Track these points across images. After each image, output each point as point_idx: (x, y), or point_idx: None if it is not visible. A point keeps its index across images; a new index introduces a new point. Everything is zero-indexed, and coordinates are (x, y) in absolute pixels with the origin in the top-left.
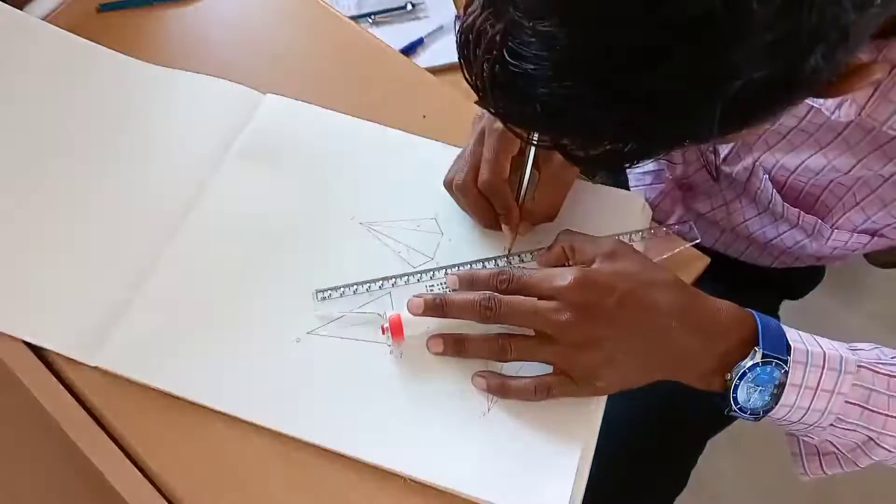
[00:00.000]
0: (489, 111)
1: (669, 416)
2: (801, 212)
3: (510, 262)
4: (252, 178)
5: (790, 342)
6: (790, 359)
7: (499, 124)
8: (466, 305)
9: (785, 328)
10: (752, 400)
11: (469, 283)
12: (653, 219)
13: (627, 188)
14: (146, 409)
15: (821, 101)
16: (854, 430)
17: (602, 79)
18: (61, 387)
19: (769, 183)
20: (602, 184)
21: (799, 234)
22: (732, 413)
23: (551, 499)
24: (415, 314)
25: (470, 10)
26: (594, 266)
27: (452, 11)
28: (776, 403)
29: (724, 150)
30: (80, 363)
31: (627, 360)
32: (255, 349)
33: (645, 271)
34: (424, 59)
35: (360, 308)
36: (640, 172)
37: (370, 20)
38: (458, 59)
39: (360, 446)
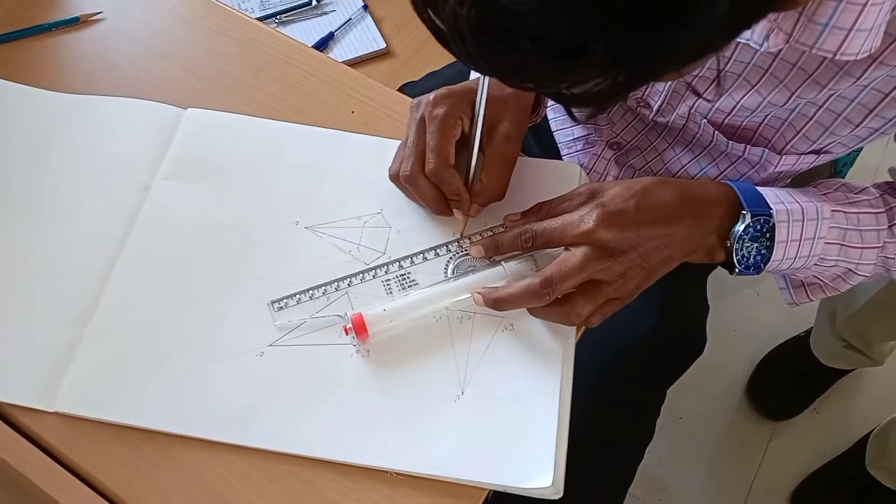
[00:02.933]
0: (463, 60)
1: (629, 369)
2: (747, 144)
3: (461, 246)
4: (186, 197)
5: (770, 203)
6: (773, 216)
7: (439, 110)
8: (515, 241)
9: (759, 189)
10: (750, 257)
11: (495, 248)
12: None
13: (560, 157)
14: (114, 445)
15: (747, 34)
16: (835, 266)
17: (597, 6)
18: (21, 438)
19: (708, 126)
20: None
21: (743, 167)
22: (738, 273)
23: (536, 467)
24: (477, 256)
25: None
26: (599, 201)
27: (359, 3)
28: (771, 255)
29: (655, 102)
30: (38, 411)
31: (654, 261)
32: (218, 368)
33: (639, 183)
34: (338, 53)
35: (320, 312)
36: (570, 140)
37: (277, 21)
38: (419, 5)
39: (340, 449)
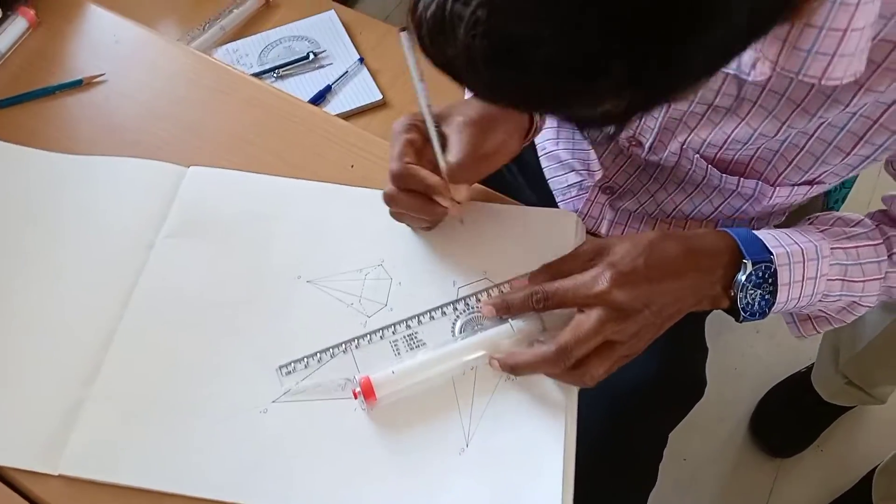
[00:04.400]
0: (476, 91)
1: (629, 416)
2: (741, 178)
3: (468, 304)
4: (189, 255)
5: (770, 247)
6: (774, 260)
7: (396, 124)
8: (526, 302)
9: (757, 233)
10: (755, 304)
11: (505, 309)
12: (586, 228)
13: (556, 205)
14: None
15: (734, 65)
16: (839, 300)
17: (612, 28)
18: (25, 502)
19: (701, 160)
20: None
21: (738, 202)
22: (743, 319)
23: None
24: (488, 315)
25: None
26: (608, 260)
27: (355, 56)
28: (774, 299)
29: (646, 140)
30: (41, 474)
31: (665, 315)
32: (222, 428)
33: (644, 239)
34: (335, 105)
35: (326, 372)
36: (565, 186)
37: (275, 75)
38: (426, 42)
39: None
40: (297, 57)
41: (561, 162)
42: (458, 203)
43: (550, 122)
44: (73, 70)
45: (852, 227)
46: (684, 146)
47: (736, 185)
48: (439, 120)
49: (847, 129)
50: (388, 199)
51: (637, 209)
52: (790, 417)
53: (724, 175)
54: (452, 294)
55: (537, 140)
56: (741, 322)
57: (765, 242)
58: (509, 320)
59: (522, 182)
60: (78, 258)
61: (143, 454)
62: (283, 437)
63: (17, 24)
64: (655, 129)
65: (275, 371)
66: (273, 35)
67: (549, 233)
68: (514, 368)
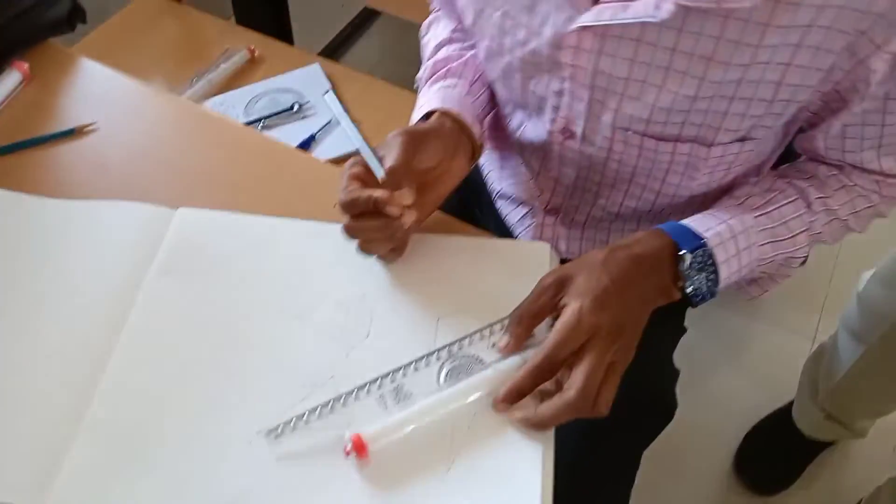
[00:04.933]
0: None
1: (600, 433)
2: (675, 142)
3: (450, 351)
4: (177, 293)
5: (700, 233)
6: (708, 243)
7: (345, 165)
8: (535, 381)
9: (685, 223)
10: (703, 286)
11: (519, 395)
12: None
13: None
14: None
15: (641, 10)
16: (773, 260)
17: None
18: None
19: (634, 136)
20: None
21: (675, 178)
22: (698, 302)
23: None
24: (503, 412)
25: None
26: (576, 291)
27: (338, 107)
28: (718, 277)
29: (578, 127)
30: None
31: (642, 318)
32: (211, 463)
33: (596, 260)
34: (319, 153)
35: (316, 425)
36: (519, 219)
37: (260, 125)
38: None
39: None
40: (281, 108)
41: (509, 198)
42: (408, 207)
43: (492, 164)
44: (65, 120)
45: (768, 191)
46: (615, 126)
47: (671, 152)
48: (377, 150)
49: (763, 79)
50: (347, 230)
51: (585, 220)
52: (774, 455)
53: (658, 142)
54: (433, 327)
55: (489, 182)
56: (696, 307)
57: (694, 230)
58: (491, 364)
59: (486, 223)
60: (68, 297)
61: (132, 492)
62: (272, 473)
63: (12, 77)
64: (584, 112)
65: (263, 434)
66: (259, 87)
67: (525, 264)
68: (542, 425)
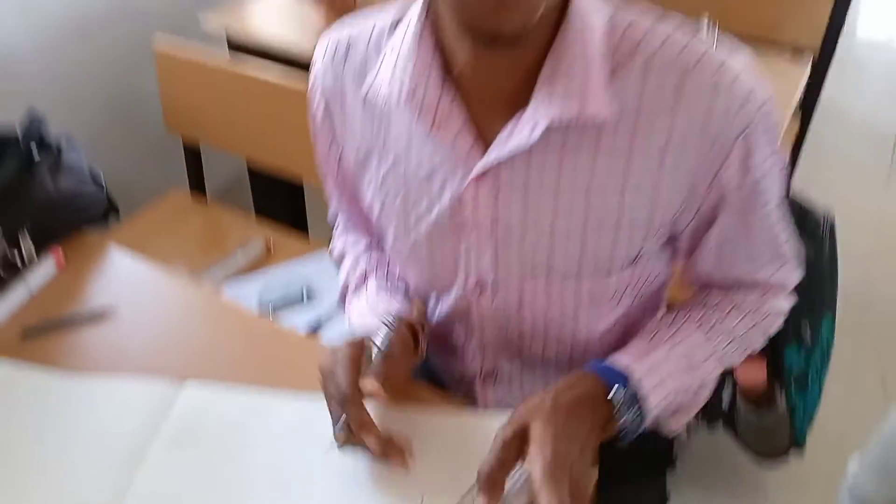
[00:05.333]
0: None
1: None
2: (577, 279)
3: None
4: (183, 462)
5: (624, 370)
6: (630, 378)
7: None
8: None
9: (610, 363)
10: (634, 420)
11: None
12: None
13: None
14: None
15: (524, 142)
16: (689, 388)
17: None
18: None
19: (540, 280)
20: None
21: (585, 308)
22: (626, 437)
23: None
24: None
25: None
26: (539, 441)
27: None
28: (647, 408)
29: (488, 278)
30: None
31: (589, 455)
32: None
33: (546, 406)
34: (327, 336)
35: None
36: (454, 382)
37: (271, 311)
38: None
39: None
40: (292, 296)
41: (443, 370)
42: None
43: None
44: (92, 301)
45: (671, 325)
46: (522, 274)
47: (575, 290)
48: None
49: (639, 203)
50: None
51: (519, 373)
52: None
53: (562, 282)
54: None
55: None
56: (624, 441)
57: (619, 370)
58: None
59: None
60: (71, 467)
61: None
62: None
63: (47, 266)
64: (491, 263)
65: None
66: (272, 274)
67: (473, 440)
68: None
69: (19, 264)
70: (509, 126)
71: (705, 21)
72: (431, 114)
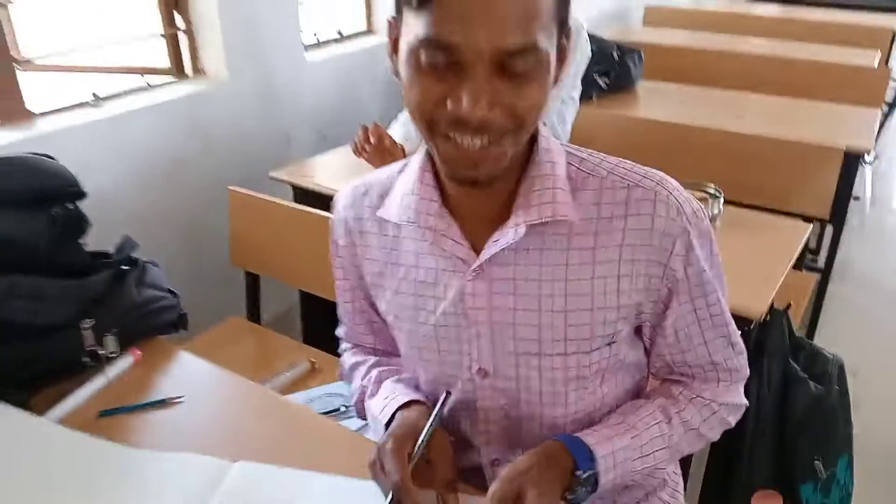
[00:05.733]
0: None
1: None
2: (563, 356)
3: None
4: None
5: (592, 452)
6: (597, 467)
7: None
8: None
9: (583, 434)
10: (581, 494)
11: None
12: None
13: None
14: None
15: (506, 239)
16: (641, 471)
17: None
18: None
19: (532, 358)
20: None
21: (573, 385)
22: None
23: None
24: None
25: None
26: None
27: None
28: (595, 488)
29: (489, 366)
30: None
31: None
32: None
33: (535, 476)
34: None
35: None
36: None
37: None
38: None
39: None
40: (330, 409)
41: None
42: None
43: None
44: (160, 393)
45: (639, 410)
46: (517, 353)
47: (563, 366)
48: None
49: (607, 290)
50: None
51: (517, 439)
52: None
53: (552, 359)
54: None
55: None
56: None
57: (590, 454)
58: None
59: None
60: None
61: None
62: None
63: (126, 360)
64: (489, 347)
65: None
66: (315, 392)
67: None
68: None
69: (103, 357)
70: (496, 234)
71: (711, 189)
72: (432, 231)
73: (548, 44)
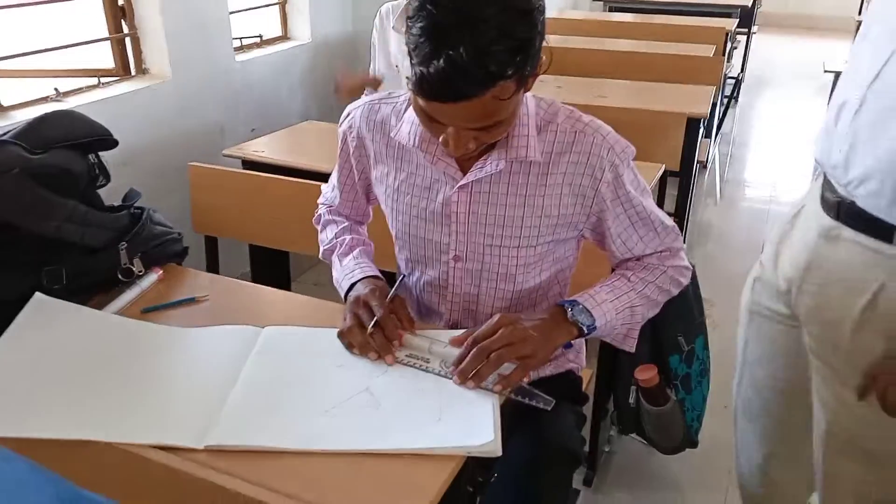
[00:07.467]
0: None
1: (535, 470)
2: (517, 248)
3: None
4: (268, 363)
5: (575, 299)
6: (580, 302)
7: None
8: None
9: (580, 300)
10: (586, 322)
11: (478, 379)
12: None
13: None
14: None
15: (489, 167)
16: (624, 309)
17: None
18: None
19: (494, 248)
20: None
21: (521, 270)
22: (586, 335)
23: (480, 432)
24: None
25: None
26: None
27: None
28: (595, 316)
29: (463, 253)
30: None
31: (550, 336)
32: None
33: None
34: None
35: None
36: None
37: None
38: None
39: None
40: None
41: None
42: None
43: None
44: (185, 294)
45: (602, 280)
46: (484, 245)
47: (516, 255)
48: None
49: (553, 203)
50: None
51: (474, 308)
52: None
53: (509, 250)
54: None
55: None
56: (586, 336)
57: (569, 298)
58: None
59: None
60: (195, 376)
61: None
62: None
63: (151, 277)
64: (465, 241)
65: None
66: None
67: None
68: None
69: (134, 274)
70: (481, 162)
71: None
72: (433, 153)
73: (514, 99)
